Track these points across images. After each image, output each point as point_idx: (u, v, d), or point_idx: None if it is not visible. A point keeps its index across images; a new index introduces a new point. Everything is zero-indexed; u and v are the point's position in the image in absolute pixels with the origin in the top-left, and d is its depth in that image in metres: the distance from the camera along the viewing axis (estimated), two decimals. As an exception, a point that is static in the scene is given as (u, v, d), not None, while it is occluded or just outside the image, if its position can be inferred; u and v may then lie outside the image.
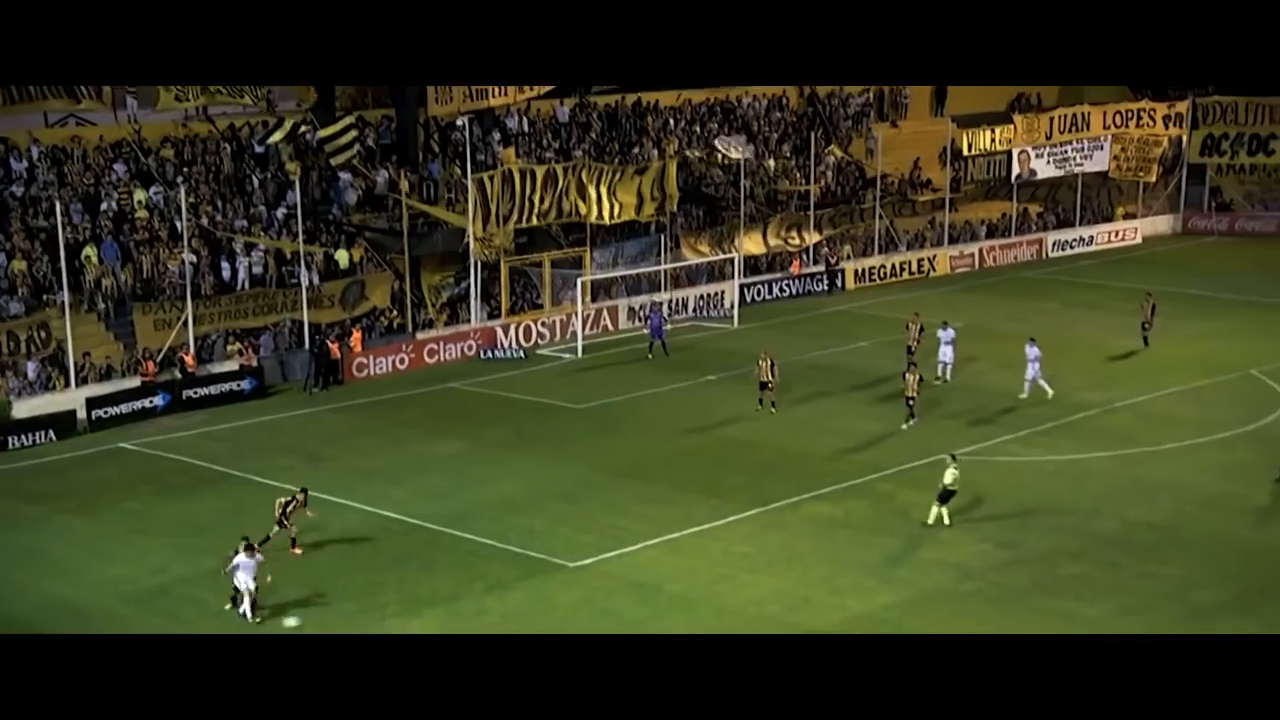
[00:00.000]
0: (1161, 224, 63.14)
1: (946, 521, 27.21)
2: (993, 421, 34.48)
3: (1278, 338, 42.64)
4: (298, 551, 26.49)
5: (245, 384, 38.57)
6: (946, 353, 37.98)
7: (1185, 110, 61.05)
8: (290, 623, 23.37)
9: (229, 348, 39.74)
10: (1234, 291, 49.64)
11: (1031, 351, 36.28)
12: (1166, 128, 60.47)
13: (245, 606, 23.53)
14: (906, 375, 34.52)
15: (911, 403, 34.11)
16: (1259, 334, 43.15)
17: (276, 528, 26.34)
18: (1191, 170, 63.73)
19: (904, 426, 33.88)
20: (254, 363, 39.24)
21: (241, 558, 23.59)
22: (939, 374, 37.91)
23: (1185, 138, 62.24)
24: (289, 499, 26.71)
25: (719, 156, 54.33)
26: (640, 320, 46.27)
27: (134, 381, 37.12)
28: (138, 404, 36.44)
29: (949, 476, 27.15)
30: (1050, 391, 36.06)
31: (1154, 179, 61.34)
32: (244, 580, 23.57)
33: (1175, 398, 36.47)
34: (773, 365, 35.48)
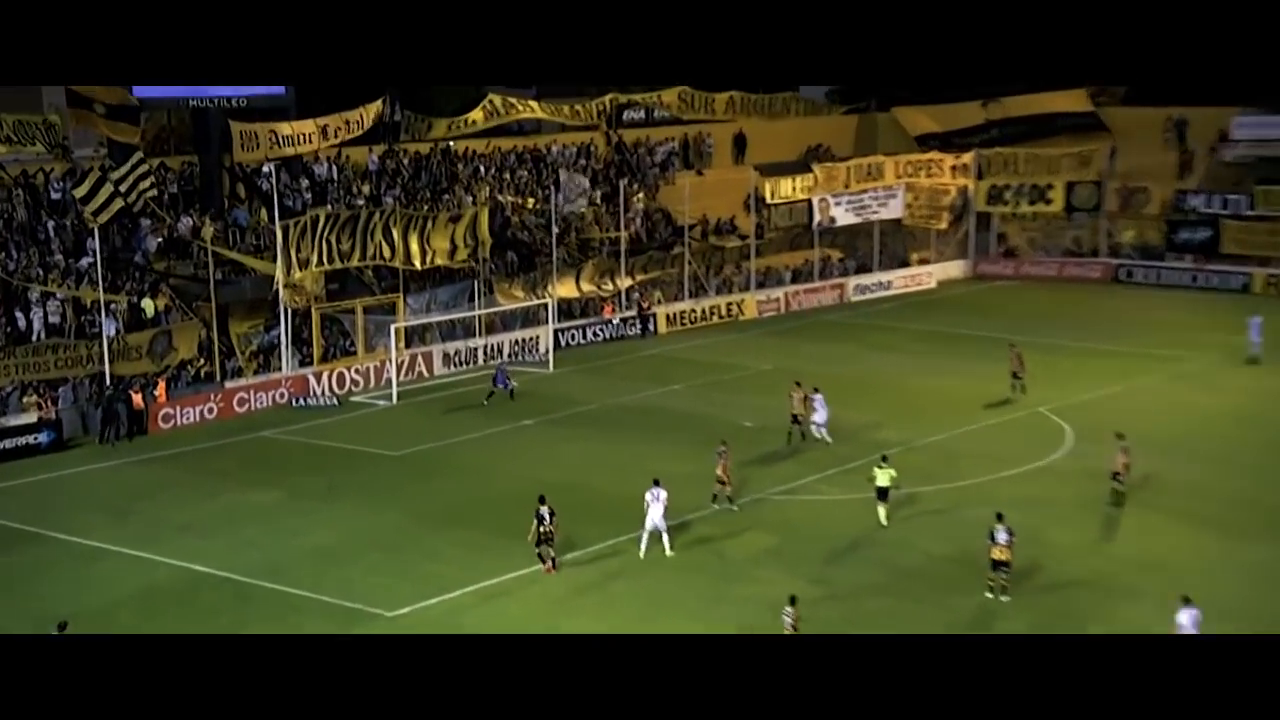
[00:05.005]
0: (954, 269, 65.45)
1: (885, 520, 29.59)
2: (798, 460, 35.02)
3: (1060, 378, 44.14)
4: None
5: (43, 437, 36.91)
6: (821, 415, 36.26)
7: (970, 161, 63.67)
8: None
9: (25, 400, 37.97)
10: (1020, 333, 51.47)
11: (818, 400, 36.25)
12: (954, 177, 63.00)
13: None
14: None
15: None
16: (1044, 374, 44.48)
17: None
18: (979, 218, 66.41)
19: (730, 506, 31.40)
20: (53, 415, 37.58)
21: None
22: (817, 436, 36.37)
23: (971, 187, 64.86)
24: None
25: (532, 202, 54.42)
26: (455, 366, 46.29)
27: (-79, 436, 35.26)
28: (-74, 459, 34.63)
29: (885, 478, 29.44)
30: (829, 440, 36.10)
31: (945, 226, 63.73)
32: None
33: (969, 436, 37.53)
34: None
